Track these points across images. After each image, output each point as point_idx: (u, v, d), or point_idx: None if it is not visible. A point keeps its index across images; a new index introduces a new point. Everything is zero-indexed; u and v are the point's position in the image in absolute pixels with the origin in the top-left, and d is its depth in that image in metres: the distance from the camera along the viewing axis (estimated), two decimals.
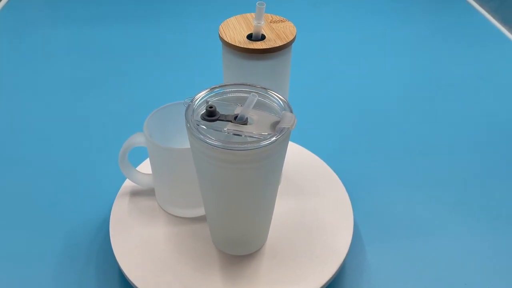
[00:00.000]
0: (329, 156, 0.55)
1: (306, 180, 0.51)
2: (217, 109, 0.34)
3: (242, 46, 0.36)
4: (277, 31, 0.38)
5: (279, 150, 0.34)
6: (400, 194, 0.56)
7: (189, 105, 0.34)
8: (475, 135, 0.66)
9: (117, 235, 0.44)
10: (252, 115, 0.34)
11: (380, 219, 0.52)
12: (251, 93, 0.32)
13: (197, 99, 0.34)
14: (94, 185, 0.55)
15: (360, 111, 0.70)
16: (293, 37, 0.38)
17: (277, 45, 0.37)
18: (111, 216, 0.46)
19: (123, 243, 0.43)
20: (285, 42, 0.37)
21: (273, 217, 0.46)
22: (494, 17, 0.99)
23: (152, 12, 0.98)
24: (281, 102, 0.35)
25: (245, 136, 0.33)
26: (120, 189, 0.49)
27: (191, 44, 0.87)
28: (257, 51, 0.36)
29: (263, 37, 0.38)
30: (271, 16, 0.41)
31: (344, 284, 0.46)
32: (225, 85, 0.35)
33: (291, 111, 0.34)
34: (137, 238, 0.44)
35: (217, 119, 0.34)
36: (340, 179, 0.52)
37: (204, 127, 0.33)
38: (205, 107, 0.34)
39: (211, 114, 0.34)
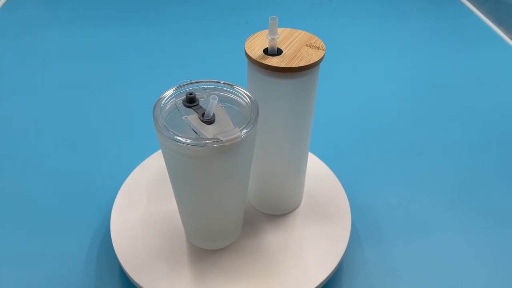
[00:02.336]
0: (327, 154, 0.56)
1: None
2: (196, 97, 0.38)
3: (252, 56, 0.38)
4: (300, 53, 0.39)
5: (221, 155, 0.35)
6: (397, 193, 0.58)
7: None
8: (471, 135, 0.68)
9: (118, 213, 0.48)
10: (221, 116, 0.37)
11: (377, 218, 0.54)
12: (211, 95, 0.35)
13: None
14: (93, 184, 0.57)
15: (356, 112, 0.72)
16: (304, 65, 0.37)
17: (280, 66, 0.37)
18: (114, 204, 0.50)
19: (123, 234, 0.46)
20: (291, 66, 0.37)
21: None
22: (489, 19, 1.01)
23: (152, 12, 0.99)
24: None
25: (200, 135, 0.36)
26: (120, 189, 0.52)
27: (211, 47, 0.88)
28: (259, 64, 0.38)
29: (279, 52, 0.39)
30: (315, 41, 0.41)
31: (342, 283, 0.47)
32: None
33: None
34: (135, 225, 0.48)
35: (191, 107, 0.38)
36: (337, 177, 0.52)
37: (177, 108, 0.37)
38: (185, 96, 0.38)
39: (189, 101, 0.38)
